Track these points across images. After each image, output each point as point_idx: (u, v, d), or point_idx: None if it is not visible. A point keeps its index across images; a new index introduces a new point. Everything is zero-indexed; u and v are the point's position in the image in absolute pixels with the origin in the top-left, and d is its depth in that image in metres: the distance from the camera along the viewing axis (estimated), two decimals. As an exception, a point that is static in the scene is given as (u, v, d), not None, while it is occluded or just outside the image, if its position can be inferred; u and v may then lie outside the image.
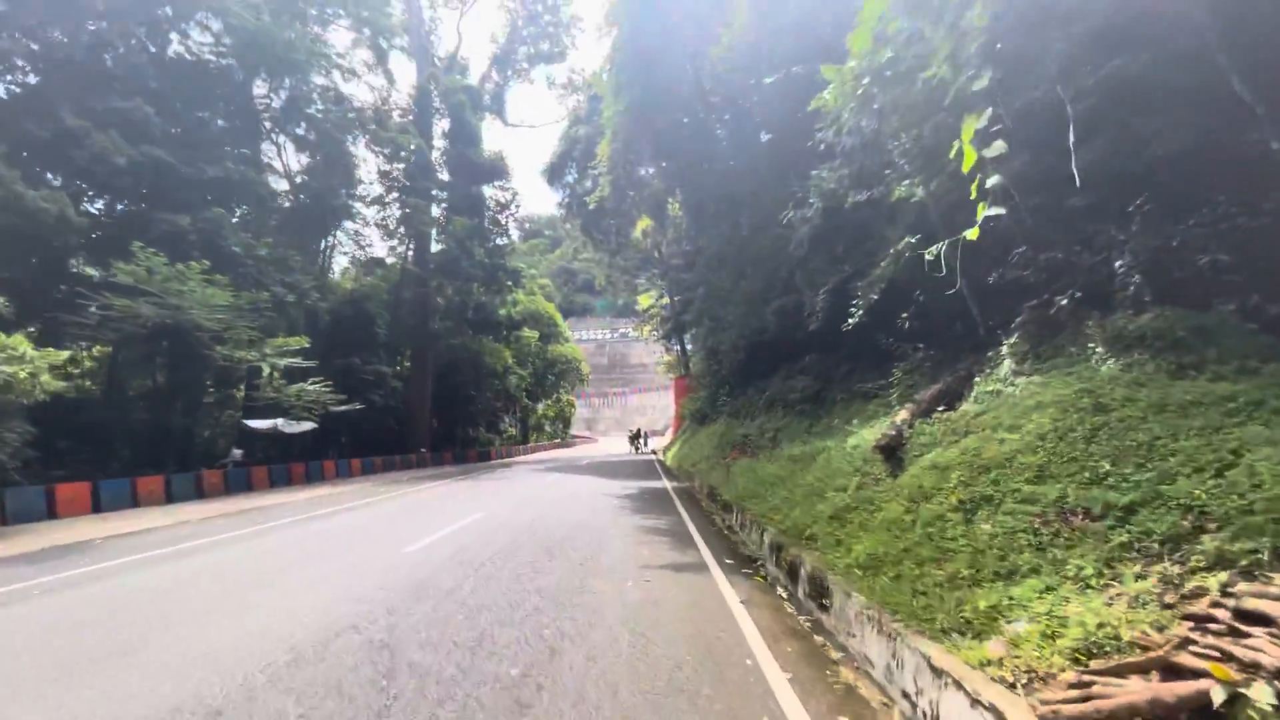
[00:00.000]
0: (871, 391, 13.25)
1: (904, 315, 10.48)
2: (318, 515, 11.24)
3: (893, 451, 7.88)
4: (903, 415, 8.61)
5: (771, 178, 17.74)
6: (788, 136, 17.66)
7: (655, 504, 11.37)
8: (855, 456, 9.00)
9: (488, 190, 32.79)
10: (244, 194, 20.72)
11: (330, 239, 31.26)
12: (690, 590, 5.24)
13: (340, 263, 37.52)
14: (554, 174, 32.68)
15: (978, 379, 7.79)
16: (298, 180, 27.34)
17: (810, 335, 16.21)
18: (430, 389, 33.51)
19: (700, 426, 27.20)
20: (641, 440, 40.48)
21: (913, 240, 10.52)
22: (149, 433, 19.14)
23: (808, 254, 14.09)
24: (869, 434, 9.74)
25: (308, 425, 20.00)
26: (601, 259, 39.81)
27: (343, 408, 19.83)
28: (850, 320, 11.31)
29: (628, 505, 11.02)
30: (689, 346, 44.36)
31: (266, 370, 16.65)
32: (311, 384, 18.18)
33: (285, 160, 28.35)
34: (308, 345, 17.91)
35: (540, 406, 63.80)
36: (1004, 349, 7.89)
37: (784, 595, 5.55)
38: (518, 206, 34.31)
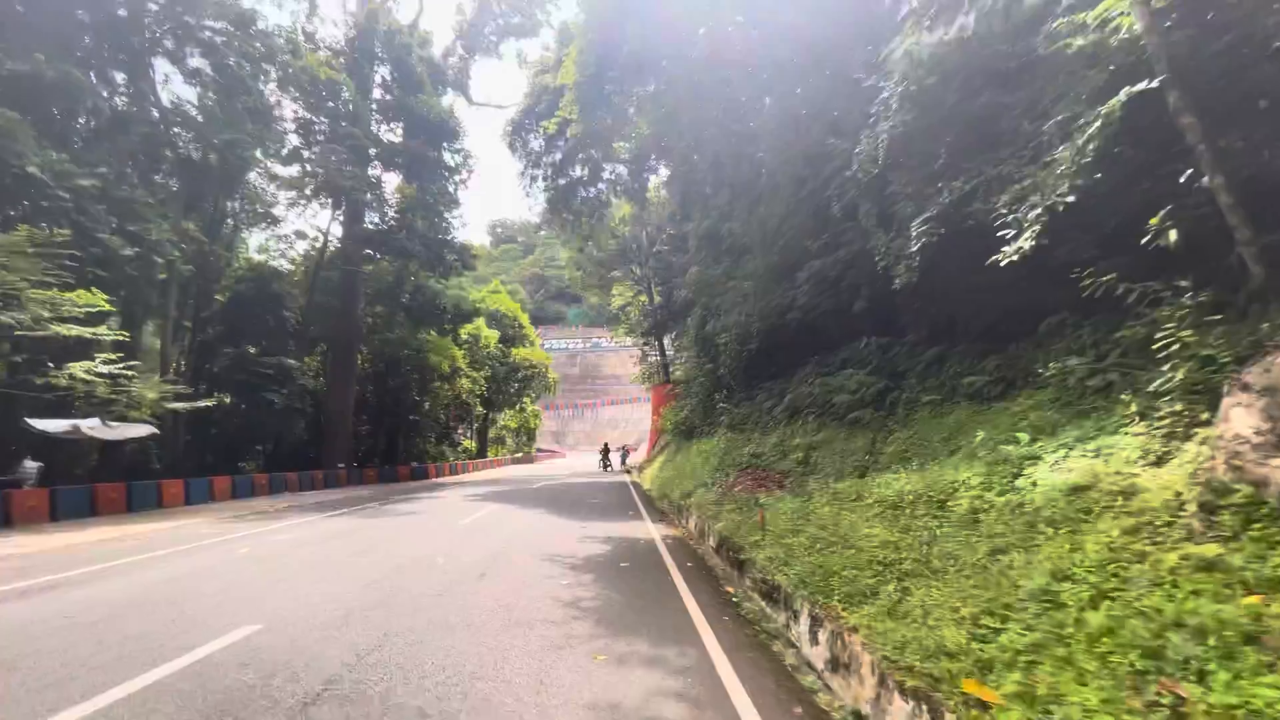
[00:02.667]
0: (1002, 383, 8.25)
1: (1154, 221, 5.41)
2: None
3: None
4: (1244, 419, 3.33)
5: (814, 80, 12.55)
6: (836, 22, 12.56)
7: (643, 592, 5.86)
8: (1142, 522, 3.75)
9: (434, 154, 27.15)
10: (63, 100, 14.75)
11: (235, 203, 25.15)
12: None
13: (257, 238, 31.40)
14: (517, 134, 27.23)
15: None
16: (171, 109, 21.27)
17: (871, 308, 11.02)
18: (354, 391, 27.43)
19: (687, 442, 21.79)
20: (617, 457, 35.02)
21: (1146, 87, 5.59)
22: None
23: (884, 171, 8.97)
24: (1117, 464, 4.65)
25: (138, 429, 13.96)
26: (570, 243, 34.41)
27: (182, 404, 13.88)
28: (1013, 249, 6.24)
29: (588, 599, 5.51)
30: (669, 351, 39.24)
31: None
32: (116, 367, 12.20)
33: (169, 92, 22.34)
34: (110, 308, 12.04)
35: (502, 417, 57.64)
36: None
37: None
38: (470, 171, 28.71)
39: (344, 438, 25.86)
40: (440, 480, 27.70)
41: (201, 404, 14.96)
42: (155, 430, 14.37)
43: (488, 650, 3.96)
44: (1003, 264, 6.14)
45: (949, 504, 5.67)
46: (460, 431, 49.10)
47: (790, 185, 13.04)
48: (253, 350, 22.11)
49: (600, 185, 32.11)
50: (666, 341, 38.47)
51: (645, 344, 41.11)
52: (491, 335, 45.32)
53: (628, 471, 31.35)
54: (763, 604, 5.82)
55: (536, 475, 28.69)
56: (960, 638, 3.34)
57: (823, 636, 4.34)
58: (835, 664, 4.03)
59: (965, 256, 8.35)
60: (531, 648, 4.00)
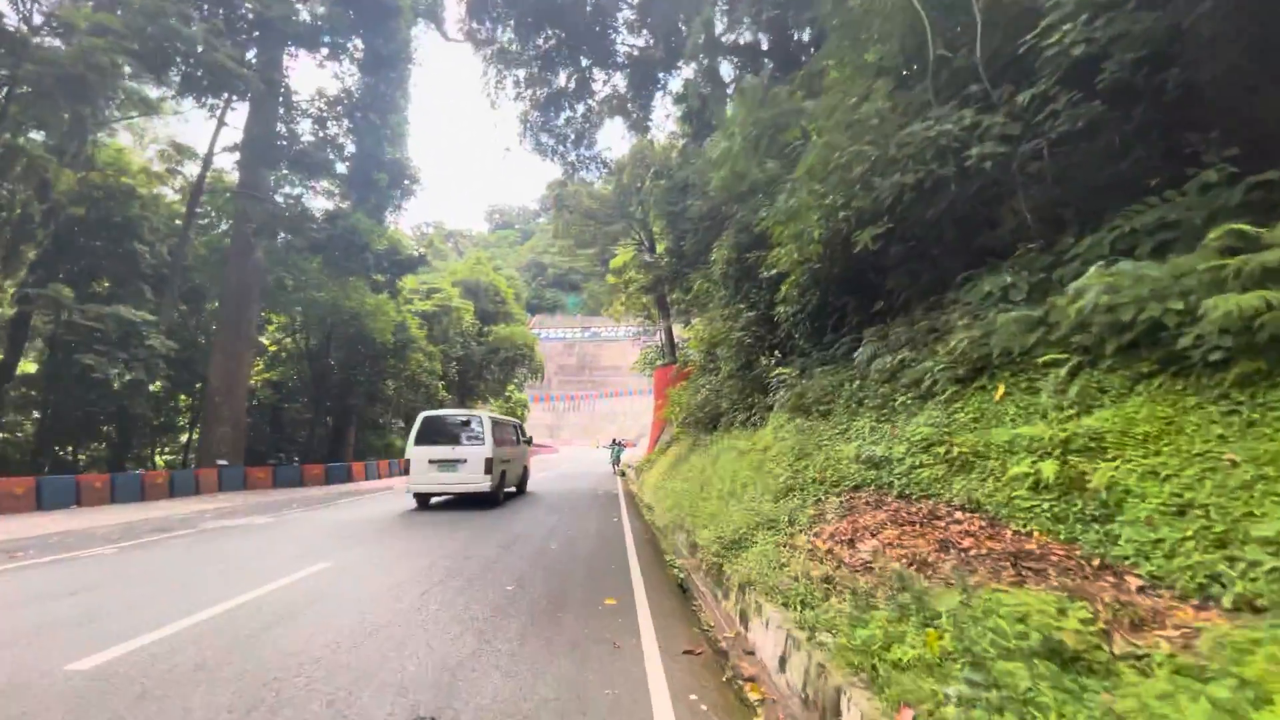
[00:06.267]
0: None
1: None
2: None
3: None
4: None
5: None
6: None
7: None
8: None
9: (363, 41, 19.86)
10: None
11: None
12: None
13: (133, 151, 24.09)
14: (477, 15, 19.95)
15: None
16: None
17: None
18: (249, 362, 20.24)
19: (706, 436, 14.46)
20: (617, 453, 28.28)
21: None
22: None
23: None
24: None
25: None
26: (553, 171, 27.23)
27: None
28: None
29: None
30: (675, 331, 32.05)
31: None
32: None
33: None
34: None
35: (484, 406, 50.47)
36: None
37: None
38: (413, 64, 21.37)
39: (230, 424, 18.63)
40: (356, 486, 20.35)
41: None
42: None
43: None
44: None
45: None
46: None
47: None
48: (68, 293, 14.89)
49: (590, 101, 24.80)
50: (674, 317, 31.36)
51: (645, 317, 34.04)
52: (466, 307, 38.11)
53: (622, 474, 24.15)
54: None
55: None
56: None
57: None
58: None
59: None
60: None
